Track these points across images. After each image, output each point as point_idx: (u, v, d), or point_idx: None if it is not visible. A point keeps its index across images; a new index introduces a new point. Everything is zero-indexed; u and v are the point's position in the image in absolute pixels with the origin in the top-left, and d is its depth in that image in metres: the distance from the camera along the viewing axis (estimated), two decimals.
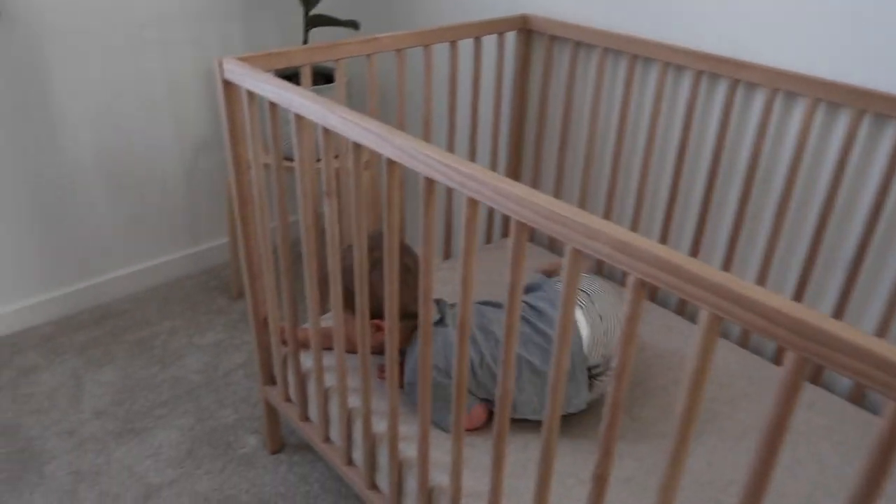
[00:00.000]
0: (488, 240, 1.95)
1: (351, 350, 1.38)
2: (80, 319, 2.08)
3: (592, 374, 1.25)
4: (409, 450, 1.21)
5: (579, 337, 1.24)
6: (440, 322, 1.32)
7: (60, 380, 1.83)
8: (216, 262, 2.38)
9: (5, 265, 1.95)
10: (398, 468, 1.20)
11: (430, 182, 0.87)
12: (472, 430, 1.27)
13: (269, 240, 1.31)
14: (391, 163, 0.92)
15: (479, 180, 0.78)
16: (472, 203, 0.82)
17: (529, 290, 1.43)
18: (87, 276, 2.12)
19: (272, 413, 1.59)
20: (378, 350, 1.35)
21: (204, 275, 2.32)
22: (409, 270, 1.32)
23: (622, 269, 0.66)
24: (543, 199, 0.72)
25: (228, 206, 2.03)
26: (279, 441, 1.64)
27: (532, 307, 1.33)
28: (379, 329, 1.30)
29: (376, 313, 1.27)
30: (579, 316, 1.27)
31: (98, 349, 1.95)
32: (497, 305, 1.38)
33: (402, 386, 1.32)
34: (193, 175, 2.23)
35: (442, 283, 1.69)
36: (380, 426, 1.26)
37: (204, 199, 2.28)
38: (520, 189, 0.74)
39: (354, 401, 1.31)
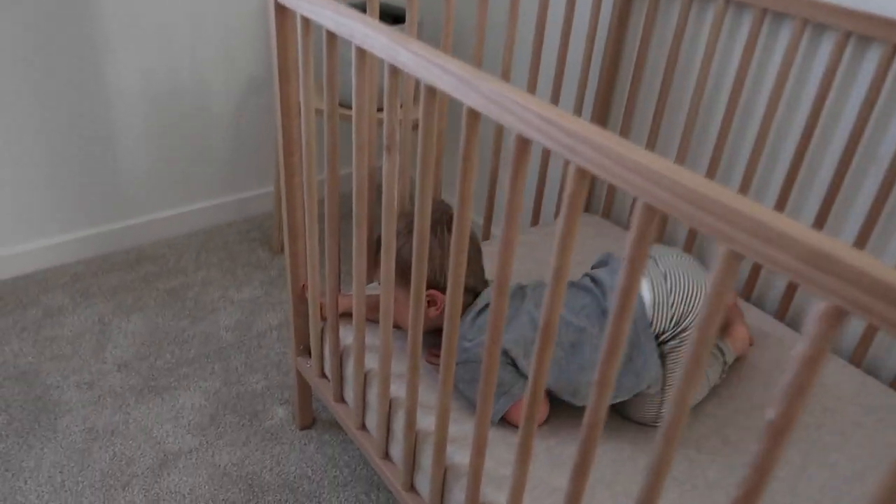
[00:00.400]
0: (556, 213, 1.74)
1: (396, 326, 1.21)
2: (113, 261, 1.95)
3: (662, 341, 1.09)
4: (457, 454, 1.04)
5: (641, 301, 1.09)
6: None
7: (86, 325, 1.71)
8: (259, 212, 2.23)
9: (38, 198, 1.82)
10: (443, 475, 1.02)
11: (523, 142, 0.67)
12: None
13: (317, 195, 1.13)
14: (473, 114, 0.72)
15: (597, 146, 0.58)
16: (582, 175, 0.61)
17: (596, 266, 1.26)
18: (123, 216, 1.99)
19: (304, 385, 1.43)
20: (428, 329, 1.17)
21: (246, 224, 2.18)
22: (471, 240, 1.13)
23: (811, 291, 0.46)
24: (695, 181, 0.51)
25: (276, 152, 1.86)
26: (310, 416, 1.49)
27: (593, 279, 1.18)
28: (431, 303, 1.12)
29: (432, 281, 1.11)
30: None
31: (128, 295, 1.82)
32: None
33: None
34: (242, 116, 2.06)
35: None
36: (424, 422, 1.09)
37: (251, 143, 2.12)
38: (658, 163, 0.54)
39: (398, 389, 1.14)
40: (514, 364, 1.08)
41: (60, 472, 1.34)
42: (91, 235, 1.94)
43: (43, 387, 1.53)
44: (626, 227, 1.67)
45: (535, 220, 1.71)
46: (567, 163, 0.62)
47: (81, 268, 1.91)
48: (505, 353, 1.07)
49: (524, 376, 1.08)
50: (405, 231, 1.12)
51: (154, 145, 1.95)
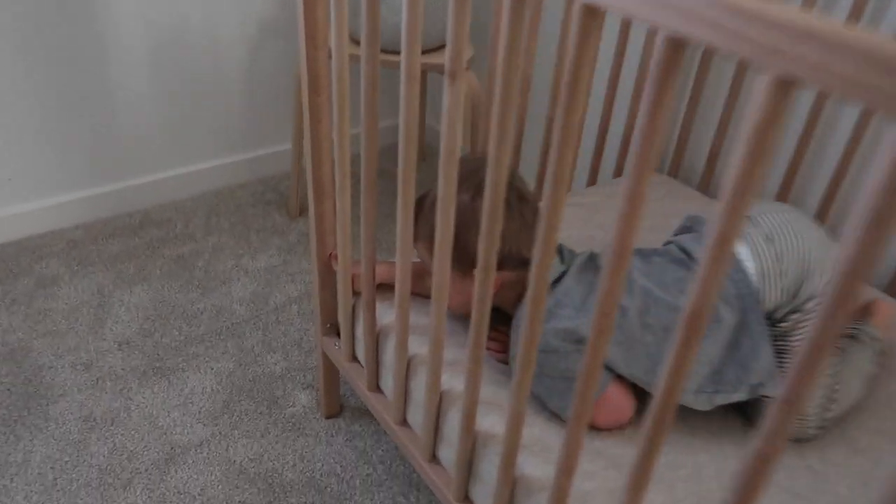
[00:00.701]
0: (590, 181, 1.52)
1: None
2: (114, 225, 1.76)
3: (777, 320, 0.89)
4: (527, 464, 0.84)
5: (743, 272, 0.89)
6: (561, 278, 0.94)
7: (83, 297, 1.52)
8: (276, 171, 2.02)
9: (32, 155, 1.62)
10: (511, 487, 0.83)
11: (676, 45, 0.45)
12: (612, 425, 0.89)
13: (348, 149, 0.92)
14: (675, 44, 0.48)
15: (832, 43, 0.36)
16: (784, 88, 0.40)
17: (680, 231, 1.06)
18: (126, 176, 1.79)
19: (330, 369, 1.24)
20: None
21: (260, 185, 1.97)
22: (525, 200, 0.92)
23: None
24: None
25: (295, 103, 1.65)
26: (336, 403, 1.30)
27: (682, 249, 0.97)
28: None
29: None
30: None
31: (131, 263, 1.63)
32: (636, 252, 1.00)
33: (502, 358, 1.00)
34: (257, 65, 1.84)
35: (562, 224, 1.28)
36: (483, 422, 0.89)
37: (266, 94, 1.90)
38: None
39: (449, 380, 0.94)
40: None
41: (52, 468, 1.16)
42: (90, 197, 1.75)
43: (34, 367, 1.34)
44: (699, 187, 1.45)
45: (593, 178, 1.49)
46: (763, 68, 0.41)
47: (79, 233, 1.72)
48: (582, 339, 0.87)
49: (606, 367, 0.88)
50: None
51: (159, 98, 1.74)
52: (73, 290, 1.54)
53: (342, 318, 1.10)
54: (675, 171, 1.48)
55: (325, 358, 1.22)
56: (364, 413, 1.31)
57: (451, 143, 0.70)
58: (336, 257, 1.08)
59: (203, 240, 1.73)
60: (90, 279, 1.57)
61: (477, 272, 0.71)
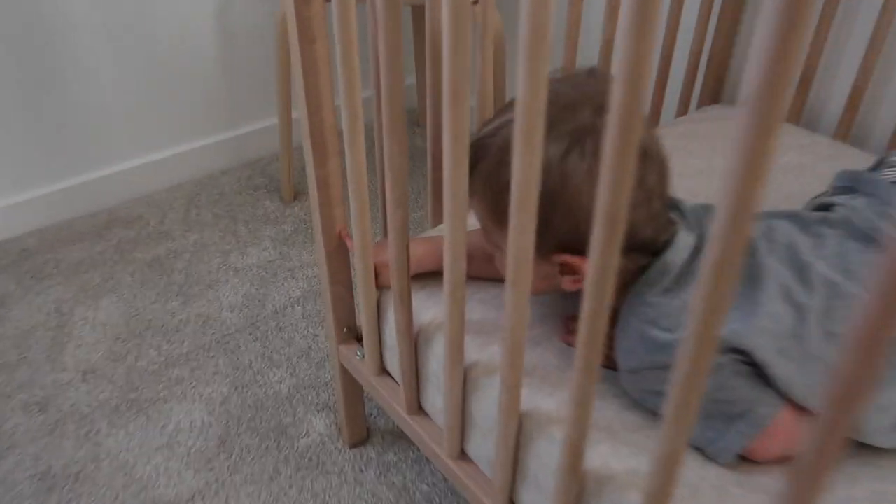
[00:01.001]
0: (682, 111, 1.23)
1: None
2: (74, 229, 1.48)
3: None
4: None
5: None
6: (695, 255, 0.64)
7: (38, 318, 1.24)
8: (263, 152, 1.73)
9: None
10: None
11: None
12: (775, 460, 0.61)
13: (359, 78, 0.63)
14: None
15: None
16: None
17: (837, 192, 0.77)
18: (86, 169, 1.51)
19: (350, 383, 0.96)
20: (547, 292, 0.69)
21: (246, 168, 1.69)
22: (649, 158, 0.60)
23: None
24: None
25: (279, 70, 1.36)
26: (362, 426, 1.02)
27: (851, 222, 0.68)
28: (566, 272, 0.63)
29: (570, 242, 0.60)
30: None
31: (95, 272, 1.35)
32: (788, 216, 0.70)
33: (607, 365, 0.69)
34: (230, 26, 1.55)
35: None
36: (594, 457, 0.61)
37: (244, 61, 1.62)
38: None
39: (532, 397, 0.66)
40: (751, 364, 0.59)
41: None
42: (44, 196, 1.46)
43: None
44: (836, 136, 1.12)
45: (654, 118, 1.21)
46: None
47: (32, 240, 1.44)
48: (740, 351, 0.58)
49: (768, 386, 0.59)
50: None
51: (121, 75, 1.45)
52: (25, 310, 1.25)
53: (364, 319, 0.82)
54: (795, 115, 1.15)
55: (343, 371, 0.94)
56: (399, 436, 1.03)
57: (541, 29, 0.41)
58: (348, 237, 0.79)
59: (182, 237, 1.45)
60: (46, 295, 1.29)
61: (591, 263, 0.43)
